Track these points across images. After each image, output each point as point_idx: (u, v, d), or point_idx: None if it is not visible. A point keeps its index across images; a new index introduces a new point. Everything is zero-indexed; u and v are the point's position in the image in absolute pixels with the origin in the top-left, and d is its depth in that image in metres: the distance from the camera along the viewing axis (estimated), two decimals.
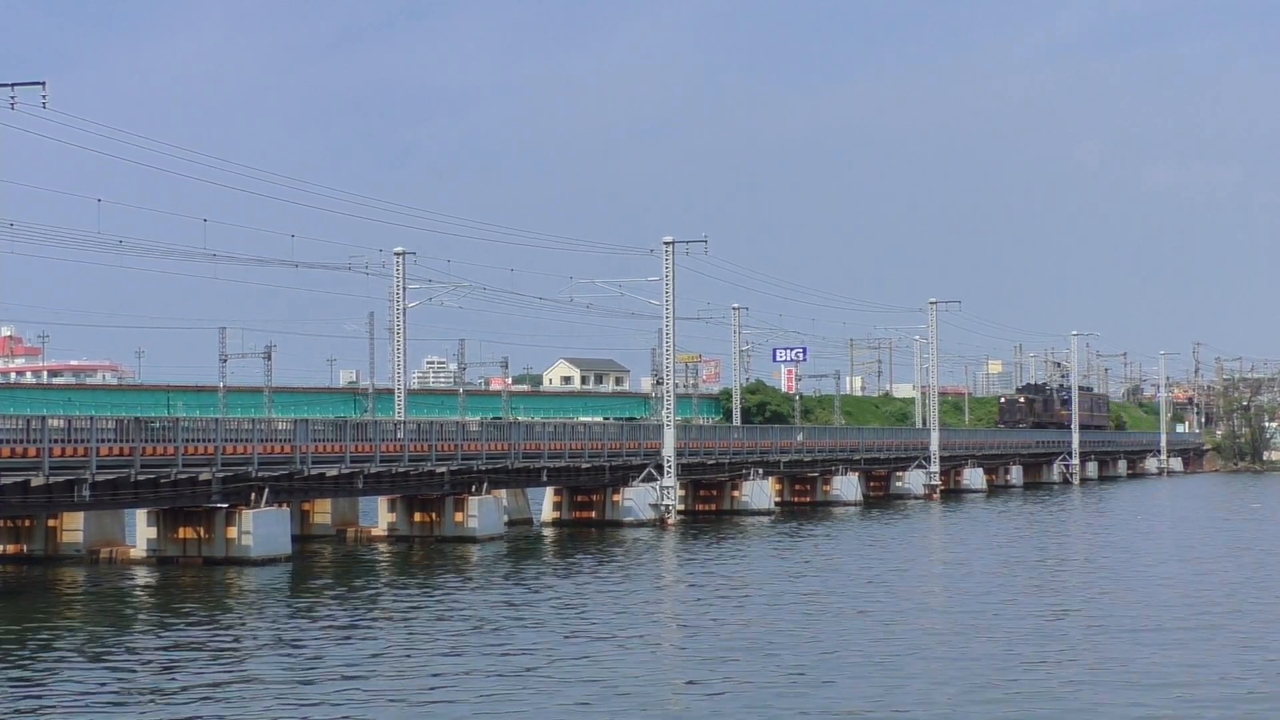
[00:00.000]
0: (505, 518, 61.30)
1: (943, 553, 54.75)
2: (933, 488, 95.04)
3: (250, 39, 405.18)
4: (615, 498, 66.50)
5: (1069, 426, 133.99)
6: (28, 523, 48.30)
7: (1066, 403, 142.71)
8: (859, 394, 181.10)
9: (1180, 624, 33.12)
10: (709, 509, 75.76)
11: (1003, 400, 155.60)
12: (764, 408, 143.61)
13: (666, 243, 67.61)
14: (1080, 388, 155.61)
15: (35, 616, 34.59)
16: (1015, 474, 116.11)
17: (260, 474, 47.07)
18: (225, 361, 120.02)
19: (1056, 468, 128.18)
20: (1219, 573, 45.66)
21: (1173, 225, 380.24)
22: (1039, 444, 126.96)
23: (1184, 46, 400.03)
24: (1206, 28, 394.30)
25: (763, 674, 26.53)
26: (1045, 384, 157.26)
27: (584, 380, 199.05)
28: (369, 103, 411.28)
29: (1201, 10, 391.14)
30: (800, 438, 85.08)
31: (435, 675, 26.39)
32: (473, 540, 55.31)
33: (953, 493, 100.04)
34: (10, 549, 48.54)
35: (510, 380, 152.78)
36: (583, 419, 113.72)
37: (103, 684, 25.58)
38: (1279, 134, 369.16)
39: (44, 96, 42.50)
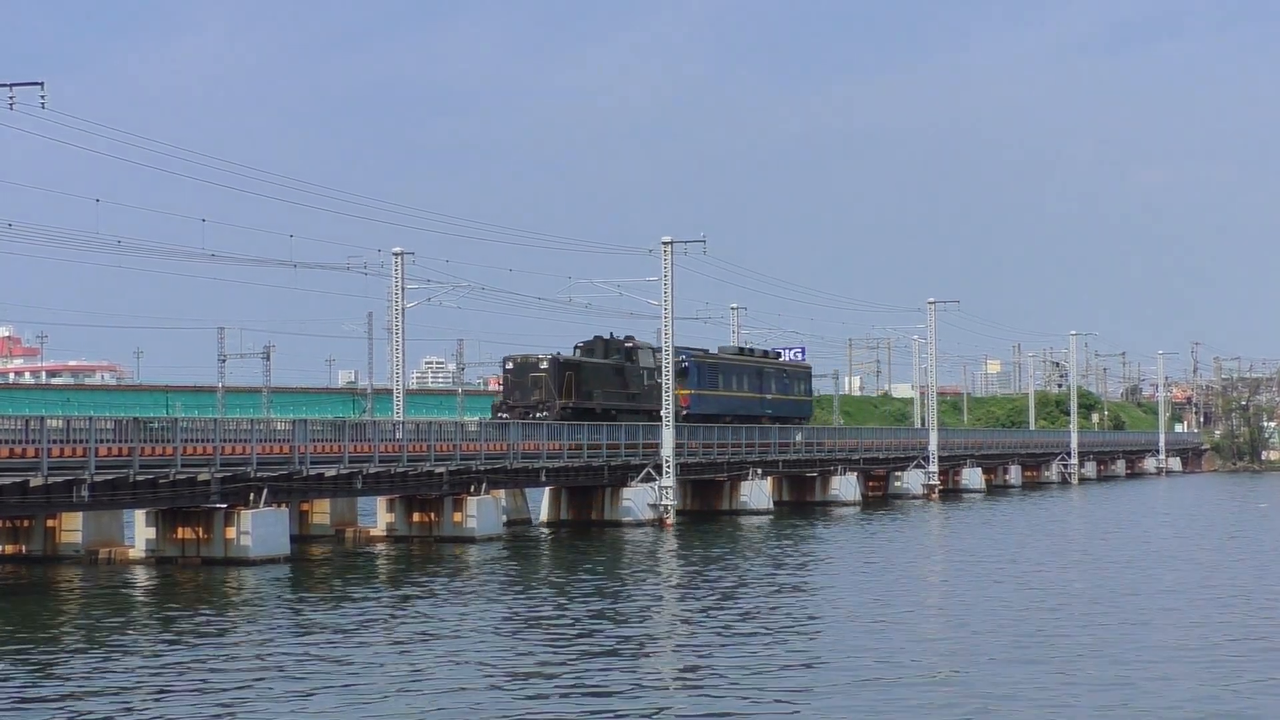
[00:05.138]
0: (504, 518, 61.31)
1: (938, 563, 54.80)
2: (931, 487, 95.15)
3: (250, 39, 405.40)
4: (614, 498, 66.53)
5: (662, 415, 68.17)
6: (26, 523, 48.33)
7: (685, 373, 76.89)
8: (858, 394, 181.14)
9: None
10: (708, 509, 75.76)
11: (508, 367, 69.90)
12: None
13: (665, 243, 67.54)
14: (739, 348, 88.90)
15: (36, 616, 34.59)
16: (1014, 474, 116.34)
17: (259, 474, 47.06)
18: (224, 362, 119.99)
19: (1055, 467, 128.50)
20: None
21: (1169, 225, 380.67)
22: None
23: (1179, 48, 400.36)
24: (1201, 30, 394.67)
25: (761, 676, 26.52)
26: (627, 339, 76.02)
27: None
28: (370, 102, 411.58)
29: (1197, 12, 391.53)
30: (799, 438, 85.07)
31: (430, 676, 26.40)
32: (471, 540, 55.33)
33: (951, 492, 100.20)
34: (9, 549, 48.59)
35: None
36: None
37: (100, 687, 25.58)
38: (1272, 135, 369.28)
39: (43, 96, 42.50)
